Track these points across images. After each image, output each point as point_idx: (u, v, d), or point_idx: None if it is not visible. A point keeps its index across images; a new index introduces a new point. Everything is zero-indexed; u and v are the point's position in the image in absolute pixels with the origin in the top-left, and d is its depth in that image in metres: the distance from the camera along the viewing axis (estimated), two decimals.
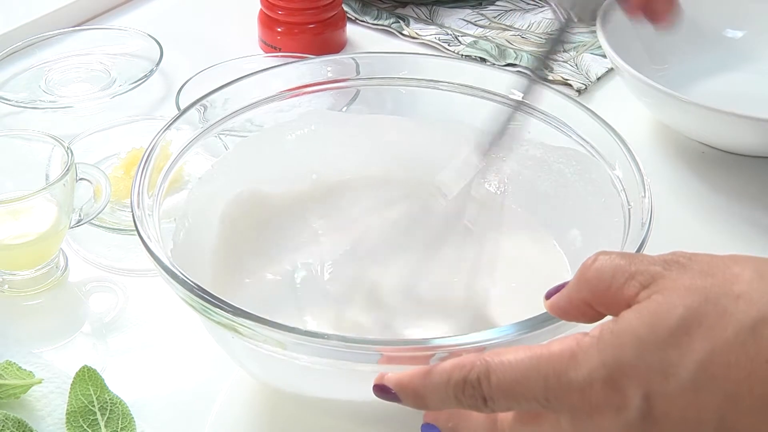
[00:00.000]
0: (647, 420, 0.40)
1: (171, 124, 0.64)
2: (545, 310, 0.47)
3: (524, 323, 0.49)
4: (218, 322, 0.51)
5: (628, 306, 0.42)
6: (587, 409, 0.41)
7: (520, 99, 0.63)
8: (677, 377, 0.39)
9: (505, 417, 0.45)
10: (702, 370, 0.39)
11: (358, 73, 0.71)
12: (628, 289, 0.42)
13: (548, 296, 0.46)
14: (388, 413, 0.49)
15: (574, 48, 0.99)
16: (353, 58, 0.72)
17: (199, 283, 0.52)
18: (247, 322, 0.50)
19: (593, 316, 0.44)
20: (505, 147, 0.62)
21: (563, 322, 0.48)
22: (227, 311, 0.50)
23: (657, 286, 0.41)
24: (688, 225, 0.78)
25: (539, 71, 0.63)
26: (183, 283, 0.52)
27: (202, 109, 0.66)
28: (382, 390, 0.46)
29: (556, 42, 0.64)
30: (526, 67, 0.64)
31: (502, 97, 0.67)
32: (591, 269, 0.44)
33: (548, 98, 0.67)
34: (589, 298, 0.44)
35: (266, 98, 0.69)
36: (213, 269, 0.63)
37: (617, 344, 0.41)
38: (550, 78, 0.94)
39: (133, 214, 0.57)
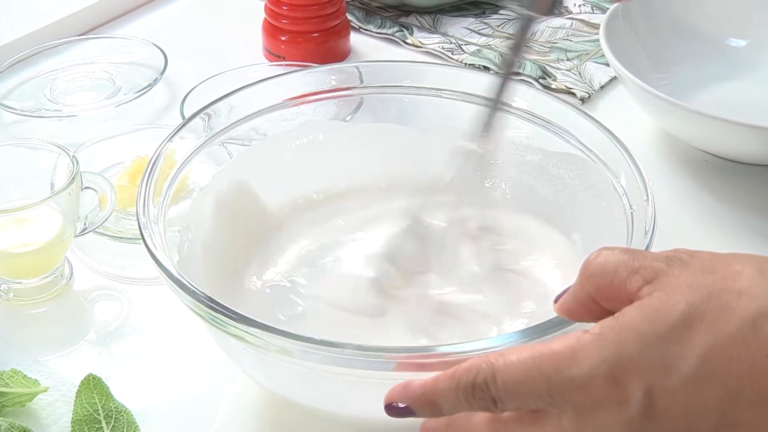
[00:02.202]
0: (649, 415, 0.41)
1: (175, 133, 0.64)
2: (550, 317, 0.48)
3: (531, 330, 0.49)
4: (227, 332, 0.51)
5: (630, 301, 0.42)
6: (589, 405, 0.41)
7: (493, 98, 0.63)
8: (679, 371, 0.40)
9: (507, 419, 0.45)
10: (703, 364, 0.40)
11: (361, 81, 0.71)
12: (630, 283, 0.43)
13: (556, 300, 0.47)
14: (393, 423, 0.49)
15: (578, 56, 0.99)
16: (357, 67, 0.72)
17: (207, 293, 0.52)
18: (258, 332, 0.50)
19: (599, 314, 0.44)
20: (491, 138, 0.63)
21: (570, 327, 0.48)
22: (236, 320, 0.50)
23: (660, 282, 0.42)
24: (691, 232, 0.78)
25: (508, 69, 0.63)
26: (191, 292, 0.52)
27: (207, 117, 0.67)
28: (393, 408, 0.47)
29: (520, 38, 0.64)
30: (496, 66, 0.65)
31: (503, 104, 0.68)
32: (594, 263, 0.44)
33: (549, 105, 0.67)
34: (594, 293, 0.44)
35: (270, 107, 0.69)
36: (217, 280, 0.63)
37: (618, 340, 0.41)
38: (553, 87, 0.94)
39: (139, 223, 0.57)
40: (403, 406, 0.46)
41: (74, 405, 0.60)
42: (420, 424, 0.48)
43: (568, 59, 0.99)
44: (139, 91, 0.92)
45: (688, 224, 0.79)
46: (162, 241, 0.57)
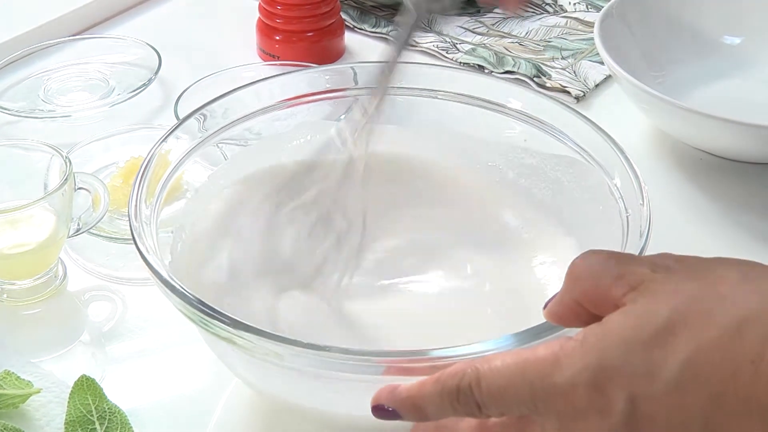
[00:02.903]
0: (631, 422, 0.40)
1: (169, 134, 0.64)
2: (541, 321, 0.47)
3: (520, 335, 0.49)
4: (218, 335, 0.51)
5: (616, 307, 0.42)
6: (572, 412, 0.41)
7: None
8: (661, 378, 0.39)
9: (493, 425, 0.45)
10: (687, 369, 0.39)
11: (356, 82, 0.71)
12: (616, 289, 0.42)
13: (545, 305, 0.46)
14: (385, 426, 0.49)
15: (573, 55, 0.99)
16: (351, 68, 0.72)
17: (197, 295, 0.52)
18: (248, 335, 0.49)
19: (587, 319, 0.44)
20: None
21: (559, 332, 0.48)
22: (227, 324, 0.50)
23: (644, 288, 0.41)
24: (685, 231, 0.78)
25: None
26: (182, 295, 0.52)
27: (202, 118, 0.66)
28: (380, 410, 0.47)
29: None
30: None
31: (498, 105, 0.68)
32: (579, 268, 0.44)
33: (545, 106, 0.67)
34: (580, 297, 0.44)
35: (265, 108, 0.69)
36: (210, 282, 0.62)
37: (601, 347, 0.41)
38: (548, 85, 0.94)
39: (130, 226, 0.57)
40: (390, 409, 0.46)
41: (68, 406, 0.60)
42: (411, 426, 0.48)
43: (563, 58, 0.99)
44: (133, 91, 0.92)
45: (682, 222, 0.79)
46: (154, 242, 0.57)
